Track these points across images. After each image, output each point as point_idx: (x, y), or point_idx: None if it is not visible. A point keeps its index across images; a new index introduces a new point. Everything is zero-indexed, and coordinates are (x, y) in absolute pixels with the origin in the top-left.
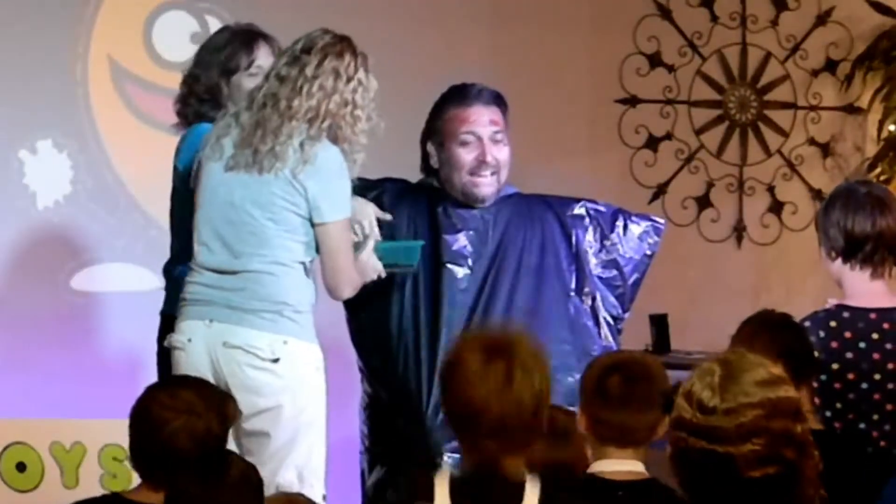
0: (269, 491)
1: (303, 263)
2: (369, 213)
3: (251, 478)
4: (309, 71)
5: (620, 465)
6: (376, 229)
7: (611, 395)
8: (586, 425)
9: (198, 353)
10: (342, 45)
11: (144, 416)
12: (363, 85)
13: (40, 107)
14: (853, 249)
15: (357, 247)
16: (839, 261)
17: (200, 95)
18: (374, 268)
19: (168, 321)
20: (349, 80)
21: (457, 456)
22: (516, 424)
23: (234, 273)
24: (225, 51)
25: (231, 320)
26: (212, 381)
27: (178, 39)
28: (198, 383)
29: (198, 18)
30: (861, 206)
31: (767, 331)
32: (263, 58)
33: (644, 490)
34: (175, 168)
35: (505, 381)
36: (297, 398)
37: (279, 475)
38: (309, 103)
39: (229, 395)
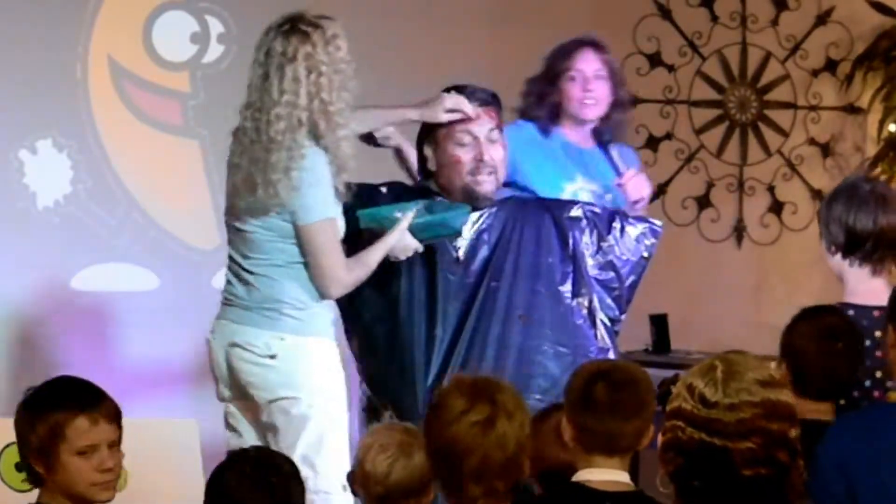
0: None
1: (302, 263)
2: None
3: None
4: (275, 93)
5: (607, 475)
6: (409, 212)
7: (596, 403)
8: (572, 434)
9: (217, 351)
10: (290, 43)
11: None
12: (326, 65)
13: (40, 107)
14: (854, 246)
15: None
16: (839, 256)
17: None
18: (409, 247)
19: None
20: (310, 72)
21: None
22: (498, 468)
23: (246, 273)
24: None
25: (237, 320)
26: (226, 375)
27: (178, 39)
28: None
29: (198, 18)
30: (864, 203)
31: (826, 346)
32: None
33: (632, 502)
34: None
35: (487, 424)
36: (298, 392)
37: None
38: (278, 127)
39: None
